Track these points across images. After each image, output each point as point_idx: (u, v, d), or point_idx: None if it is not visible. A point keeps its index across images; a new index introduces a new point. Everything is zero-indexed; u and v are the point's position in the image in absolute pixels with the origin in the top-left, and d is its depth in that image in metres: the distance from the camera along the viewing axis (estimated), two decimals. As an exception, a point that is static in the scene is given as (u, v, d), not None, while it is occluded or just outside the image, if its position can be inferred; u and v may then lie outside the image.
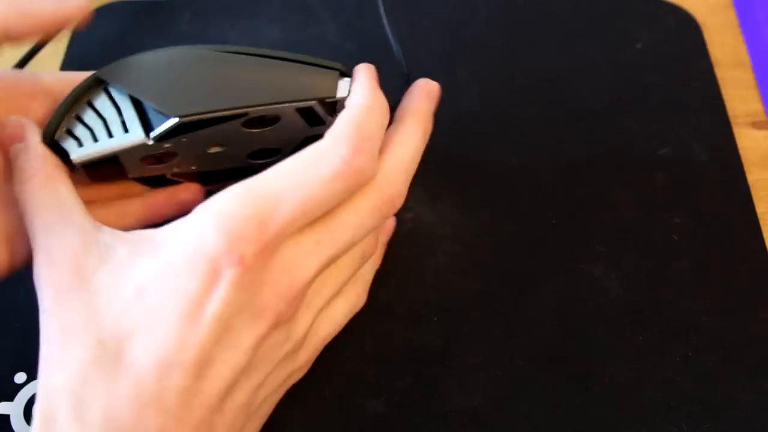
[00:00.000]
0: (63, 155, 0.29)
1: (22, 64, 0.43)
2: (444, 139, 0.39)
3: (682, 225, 0.38)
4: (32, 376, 0.33)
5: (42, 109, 0.30)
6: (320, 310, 0.29)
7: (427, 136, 0.31)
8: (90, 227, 0.26)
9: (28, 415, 0.32)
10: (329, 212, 0.27)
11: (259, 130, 0.30)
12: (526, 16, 0.47)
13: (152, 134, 0.28)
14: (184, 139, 0.29)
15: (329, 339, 0.31)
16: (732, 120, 0.42)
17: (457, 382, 0.33)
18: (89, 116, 0.29)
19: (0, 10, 0.27)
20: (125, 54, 0.48)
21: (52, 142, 0.29)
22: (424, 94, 0.31)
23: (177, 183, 0.33)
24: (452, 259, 0.37)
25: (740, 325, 0.35)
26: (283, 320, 0.26)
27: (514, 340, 0.34)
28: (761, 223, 0.38)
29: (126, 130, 0.29)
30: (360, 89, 0.29)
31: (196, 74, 0.29)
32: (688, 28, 0.46)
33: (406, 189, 0.29)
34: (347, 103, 0.29)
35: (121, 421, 0.23)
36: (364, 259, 0.30)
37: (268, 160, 0.32)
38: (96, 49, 0.45)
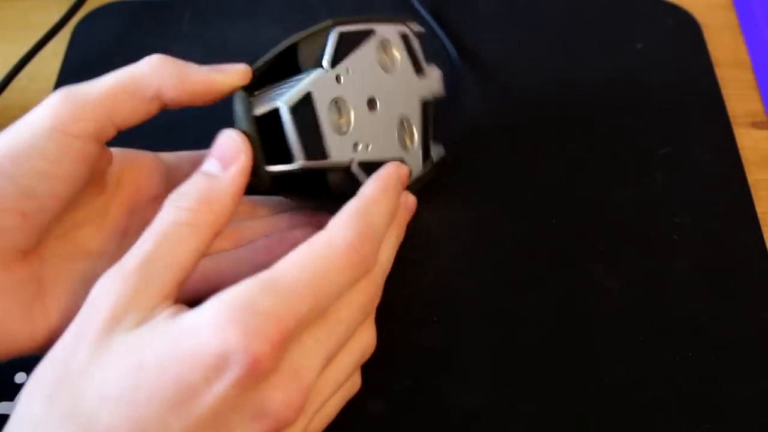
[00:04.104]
0: (271, 122, 0.29)
1: (22, 64, 0.43)
2: (444, 139, 0.39)
3: (682, 225, 0.38)
4: (32, 376, 0.33)
5: (163, 182, 0.32)
6: (317, 411, 0.27)
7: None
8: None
9: (28, 415, 0.32)
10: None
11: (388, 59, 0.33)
12: (526, 16, 0.47)
13: (324, 59, 0.31)
14: (348, 68, 0.31)
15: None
16: (732, 120, 0.42)
17: (458, 382, 0.33)
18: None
19: (157, 74, 0.28)
20: (125, 54, 0.48)
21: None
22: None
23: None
24: (452, 259, 0.37)
25: (740, 325, 0.35)
26: (284, 426, 0.25)
27: (514, 339, 0.34)
28: (761, 223, 0.38)
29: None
30: (373, 182, 0.29)
31: None
32: (688, 28, 0.46)
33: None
34: (359, 191, 0.29)
35: None
36: (364, 357, 0.29)
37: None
38: (96, 49, 0.45)
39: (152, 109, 0.29)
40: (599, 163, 0.40)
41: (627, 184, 0.39)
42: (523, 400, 0.33)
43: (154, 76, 0.28)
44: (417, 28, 0.36)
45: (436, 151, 0.37)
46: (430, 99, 0.36)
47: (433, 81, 0.36)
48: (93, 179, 0.29)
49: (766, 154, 0.41)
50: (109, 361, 0.24)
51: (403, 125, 0.34)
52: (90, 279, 0.29)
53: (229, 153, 0.28)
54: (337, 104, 0.31)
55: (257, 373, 0.23)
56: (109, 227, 0.31)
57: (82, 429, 0.23)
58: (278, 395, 0.24)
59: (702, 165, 0.40)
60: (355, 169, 0.31)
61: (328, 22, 0.31)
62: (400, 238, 0.31)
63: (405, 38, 0.34)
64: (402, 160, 0.33)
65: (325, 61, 0.31)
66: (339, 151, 0.31)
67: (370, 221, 0.27)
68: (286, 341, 0.24)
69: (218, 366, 0.23)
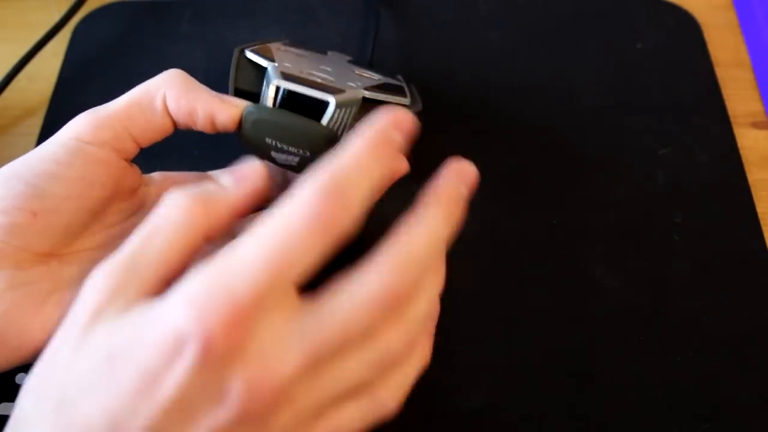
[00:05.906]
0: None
1: (22, 64, 0.43)
2: (444, 139, 0.39)
3: (682, 225, 0.38)
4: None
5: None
6: (316, 416, 0.25)
7: (452, 224, 0.27)
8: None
9: (28, 415, 0.32)
10: (317, 302, 0.24)
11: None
12: (526, 16, 0.47)
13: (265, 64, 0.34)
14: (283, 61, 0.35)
15: None
16: (732, 120, 0.42)
17: (458, 382, 0.33)
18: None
19: (165, 82, 0.31)
20: (125, 54, 0.48)
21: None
22: (453, 174, 0.28)
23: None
24: (452, 259, 0.37)
25: (740, 325, 0.35)
26: (252, 417, 0.23)
27: (514, 340, 0.35)
28: (761, 223, 0.38)
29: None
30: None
31: None
32: (688, 28, 0.46)
33: (418, 284, 0.25)
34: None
35: None
36: (385, 365, 0.26)
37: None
38: (96, 49, 0.45)
39: (166, 123, 0.31)
40: (599, 162, 0.40)
41: (627, 184, 0.39)
42: (523, 400, 0.33)
43: (162, 83, 0.30)
44: (284, 40, 0.39)
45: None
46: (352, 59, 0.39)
47: (340, 55, 0.40)
48: (121, 194, 0.31)
49: (766, 154, 0.41)
50: (87, 353, 0.24)
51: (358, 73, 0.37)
52: None
53: (247, 175, 0.28)
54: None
55: (213, 352, 0.22)
56: None
57: (65, 421, 0.23)
58: (238, 378, 0.23)
59: (702, 165, 0.40)
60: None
61: (235, 53, 0.35)
62: (451, 220, 0.28)
63: (284, 44, 0.38)
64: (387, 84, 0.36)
65: (266, 63, 0.34)
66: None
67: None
68: (246, 316, 0.22)
69: (176, 348, 0.22)
